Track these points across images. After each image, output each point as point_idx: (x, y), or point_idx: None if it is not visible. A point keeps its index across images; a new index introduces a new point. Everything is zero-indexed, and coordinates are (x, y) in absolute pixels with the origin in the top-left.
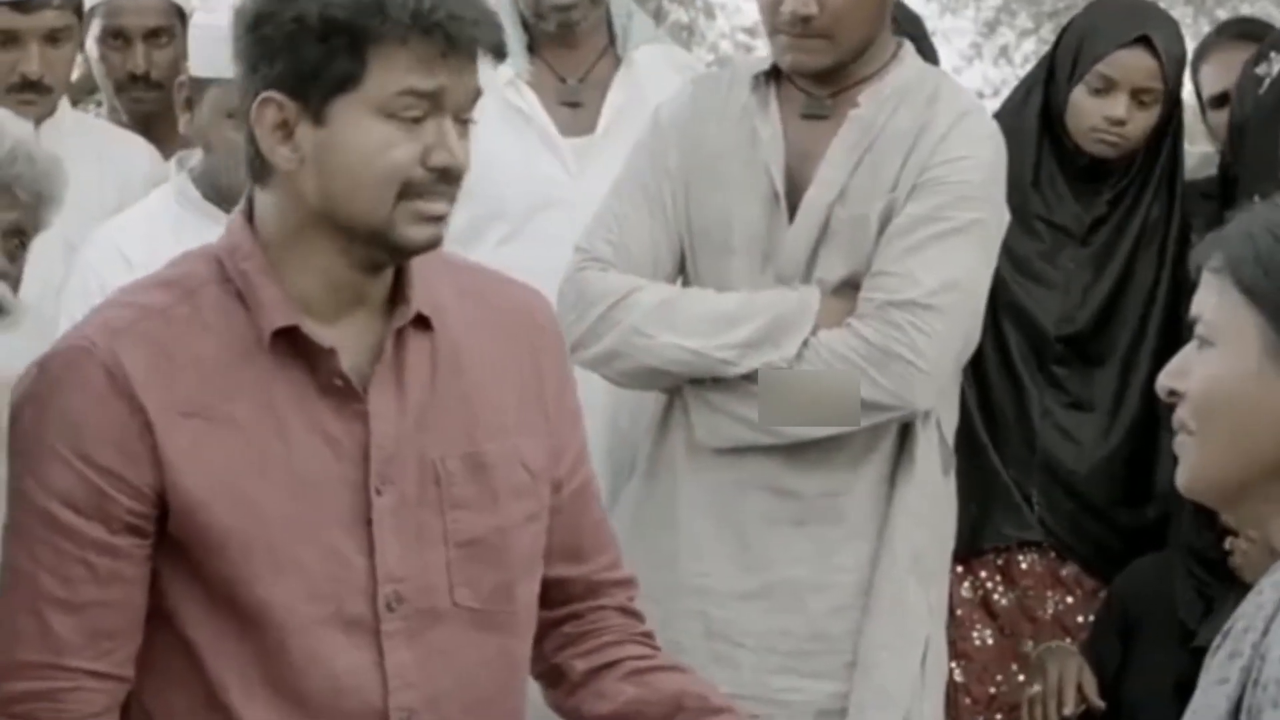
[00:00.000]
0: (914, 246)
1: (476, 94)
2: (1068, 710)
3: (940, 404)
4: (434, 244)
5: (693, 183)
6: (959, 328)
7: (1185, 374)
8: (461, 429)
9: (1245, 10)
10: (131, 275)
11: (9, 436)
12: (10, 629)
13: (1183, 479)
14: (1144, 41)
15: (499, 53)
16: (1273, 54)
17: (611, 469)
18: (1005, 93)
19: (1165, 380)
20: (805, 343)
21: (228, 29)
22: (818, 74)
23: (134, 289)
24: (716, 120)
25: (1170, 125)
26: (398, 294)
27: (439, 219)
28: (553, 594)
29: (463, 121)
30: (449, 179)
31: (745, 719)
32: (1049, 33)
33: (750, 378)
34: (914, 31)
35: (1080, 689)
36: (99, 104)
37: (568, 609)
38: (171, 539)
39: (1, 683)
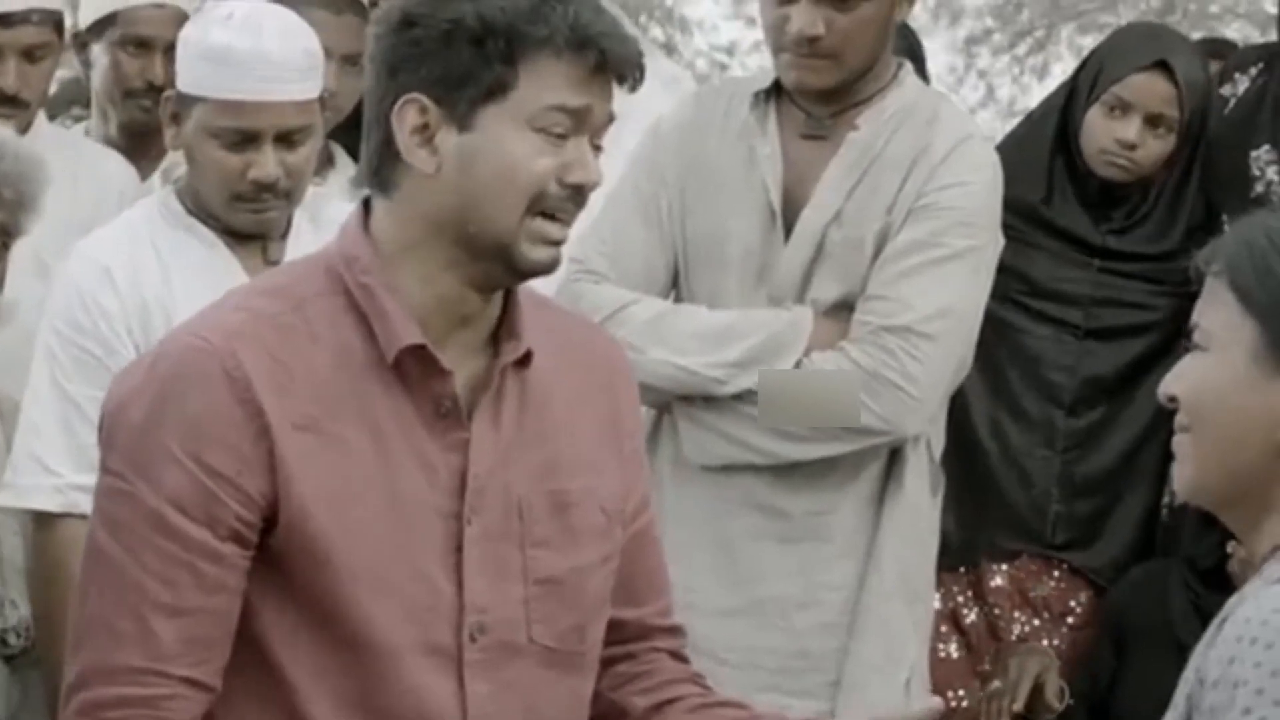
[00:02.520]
0: (909, 271)
1: (611, 118)
2: (1018, 706)
3: (929, 427)
4: (553, 266)
5: (690, 196)
6: (951, 355)
7: (1182, 379)
8: (544, 466)
9: (1223, 31)
10: (113, 287)
11: (106, 434)
12: (109, 632)
13: (1179, 482)
14: (1163, 67)
15: (638, 80)
16: (1237, 74)
17: None
18: (981, 113)
19: (1165, 387)
20: (797, 364)
21: (217, 47)
22: (821, 93)
23: (240, 293)
24: (716, 135)
25: (1190, 156)
26: (504, 327)
27: (559, 243)
28: (608, 634)
29: (596, 146)
30: (581, 198)
31: None
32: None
33: (741, 397)
34: (911, 52)
35: (1042, 690)
36: (77, 118)
37: (622, 649)
38: (271, 554)
39: (97, 687)
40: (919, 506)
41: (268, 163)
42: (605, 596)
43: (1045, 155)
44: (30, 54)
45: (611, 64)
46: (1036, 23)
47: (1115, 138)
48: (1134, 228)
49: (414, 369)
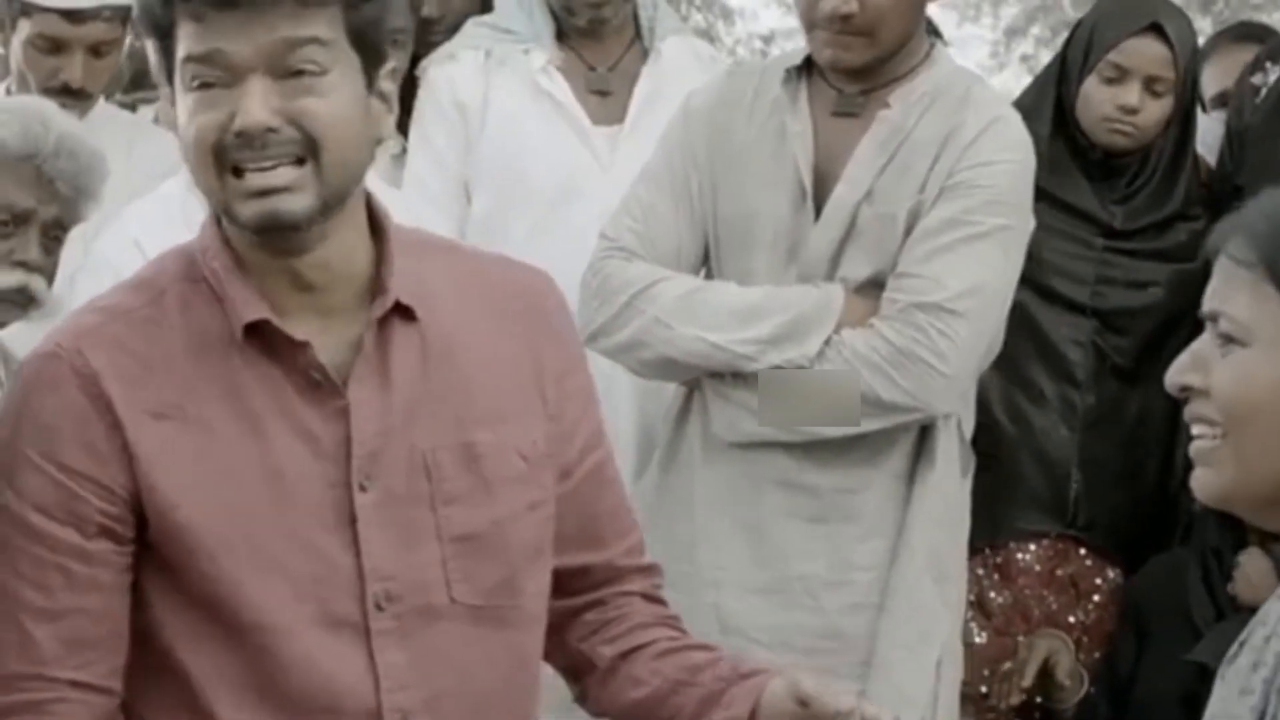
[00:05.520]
0: (940, 249)
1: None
2: (1025, 683)
3: (960, 406)
4: (266, 219)
5: (720, 174)
6: (982, 333)
7: (1202, 370)
8: (452, 420)
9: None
10: (144, 260)
11: None
12: None
13: (1214, 487)
14: (1156, 30)
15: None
16: (1269, 63)
17: (638, 455)
18: None
19: (1177, 376)
20: (828, 341)
21: None
22: (853, 71)
23: (108, 293)
24: (746, 112)
25: (1185, 118)
26: (377, 286)
27: (264, 193)
28: (573, 582)
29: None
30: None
31: (789, 671)
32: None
33: None
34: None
35: (1053, 671)
36: (146, 102)
37: (589, 596)
38: (152, 547)
39: None
40: (949, 486)
41: None
42: (539, 545)
43: (1045, 133)
44: (97, 49)
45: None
46: (1078, 13)
47: (1117, 104)
48: (1137, 194)
49: (269, 344)
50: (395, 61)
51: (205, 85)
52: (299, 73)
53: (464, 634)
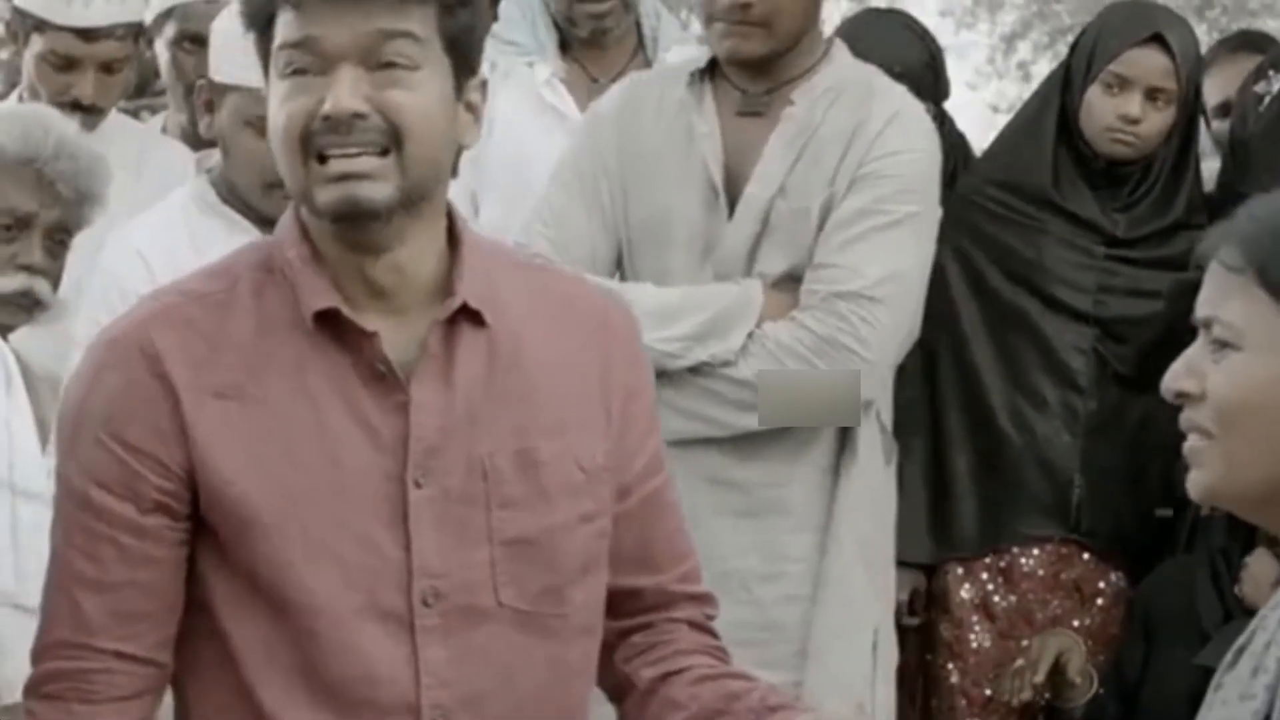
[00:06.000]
0: (855, 238)
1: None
2: (1038, 679)
3: (880, 394)
4: (344, 205)
5: (630, 178)
6: (902, 318)
7: (1196, 376)
8: (514, 426)
9: (1260, 24)
10: (149, 275)
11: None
12: (46, 610)
13: (1203, 486)
14: (1158, 40)
15: None
16: (1271, 72)
17: None
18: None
19: (1173, 383)
20: (750, 335)
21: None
22: (753, 65)
23: (184, 278)
24: (653, 116)
25: (1187, 128)
26: (448, 288)
27: (345, 177)
28: (625, 603)
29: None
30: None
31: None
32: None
33: (695, 370)
34: (932, 59)
35: (1064, 670)
36: (151, 111)
37: (639, 619)
38: (206, 525)
39: (38, 663)
40: (873, 475)
41: None
42: (590, 558)
43: (1049, 142)
44: (109, 66)
45: None
46: (1074, 20)
47: (1118, 114)
48: (1139, 202)
49: (338, 333)
50: (485, 76)
51: (298, 72)
52: (390, 65)
53: (508, 638)
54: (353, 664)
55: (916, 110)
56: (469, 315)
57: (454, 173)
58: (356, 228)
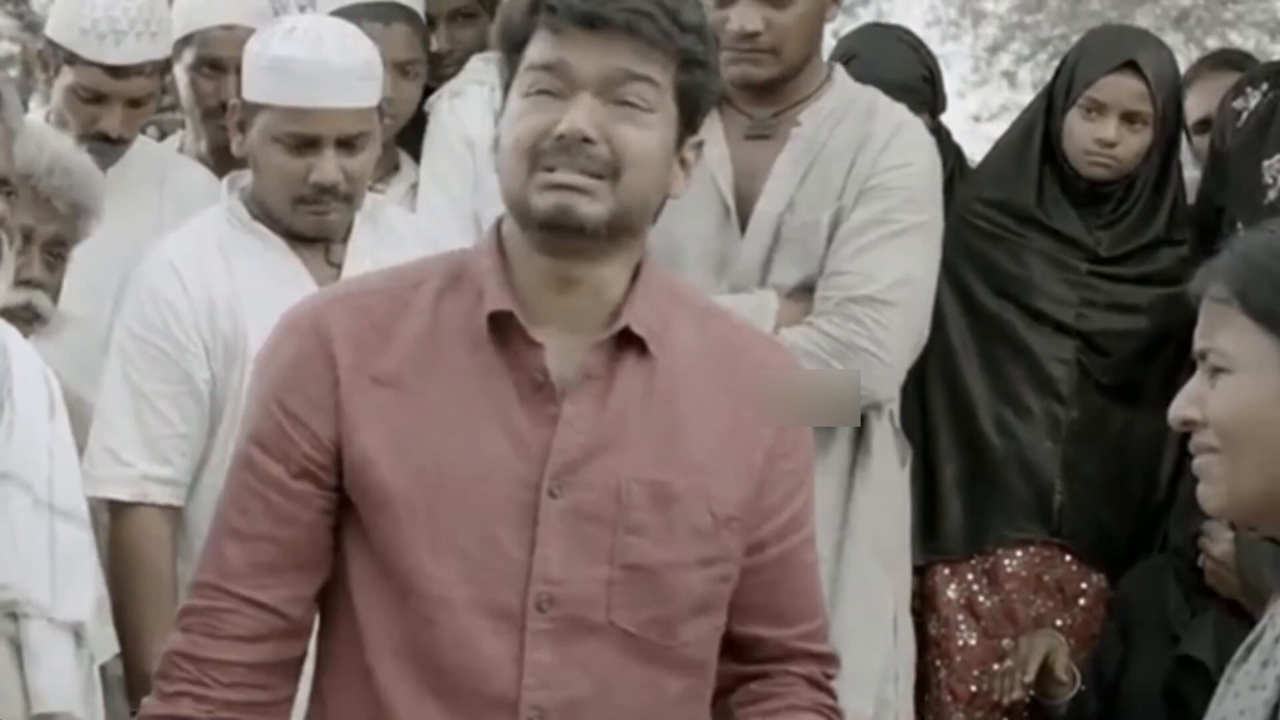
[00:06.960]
0: (866, 247)
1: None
2: (1028, 678)
3: (894, 396)
4: (559, 212)
5: None
6: (914, 321)
7: (1197, 403)
8: (656, 457)
9: (1235, 36)
10: (183, 288)
11: None
12: (201, 555)
13: (1212, 501)
14: (1131, 67)
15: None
16: (1249, 88)
17: None
18: (1003, 116)
19: (1178, 413)
20: None
21: (281, 58)
22: (761, 90)
23: (375, 272)
24: None
25: (1167, 147)
26: (618, 313)
27: (562, 187)
28: (745, 649)
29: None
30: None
31: None
32: (1045, 58)
33: None
34: (929, 71)
35: (1052, 669)
36: (157, 127)
37: (757, 667)
38: (350, 500)
39: (188, 599)
40: (888, 476)
41: (328, 167)
42: (707, 600)
43: (1034, 163)
44: (136, 101)
45: (561, 12)
46: (1055, 30)
47: (1095, 138)
48: (1121, 220)
49: (506, 341)
50: (702, 136)
51: (542, 92)
52: (626, 103)
53: (613, 656)
54: (462, 655)
55: (917, 125)
56: (635, 344)
57: (654, 219)
58: (563, 237)
